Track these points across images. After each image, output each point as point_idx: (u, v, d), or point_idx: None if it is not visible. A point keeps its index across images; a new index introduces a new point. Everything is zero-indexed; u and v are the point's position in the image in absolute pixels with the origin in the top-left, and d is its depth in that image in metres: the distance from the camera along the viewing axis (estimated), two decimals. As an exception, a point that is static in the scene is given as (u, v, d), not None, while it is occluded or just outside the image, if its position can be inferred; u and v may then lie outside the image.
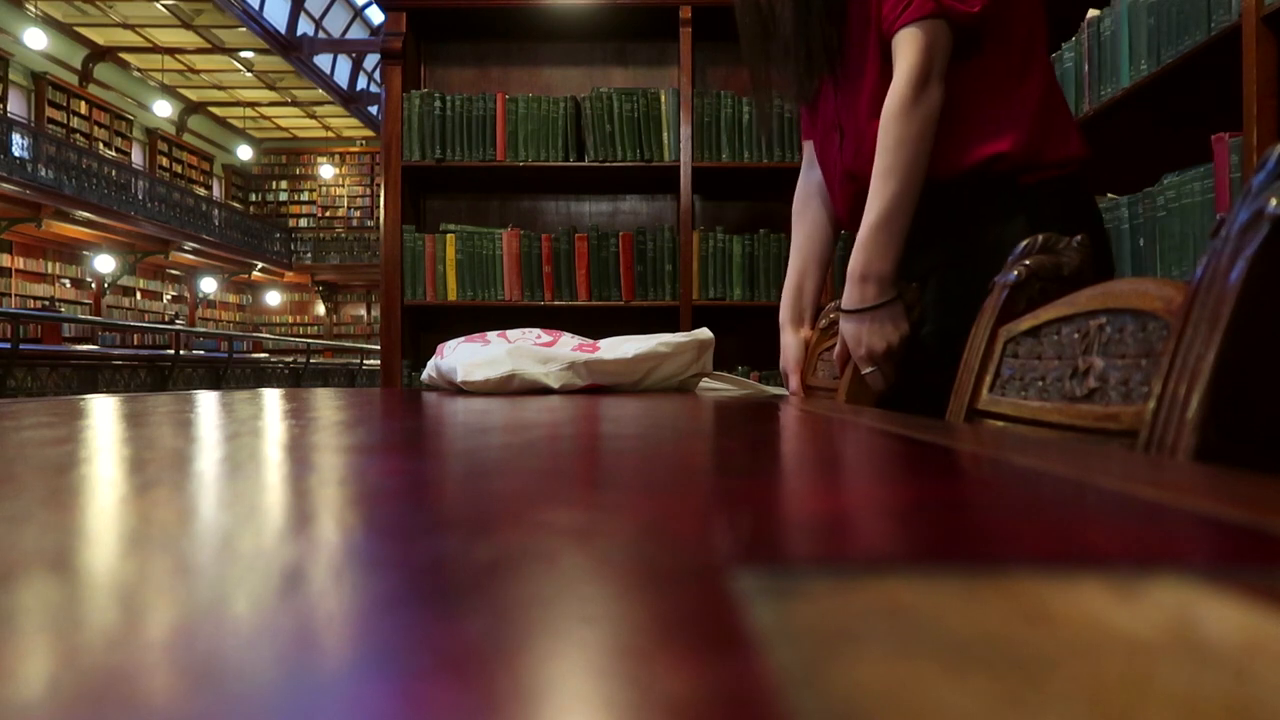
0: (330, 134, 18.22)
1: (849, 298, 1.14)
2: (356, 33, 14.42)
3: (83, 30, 13.09)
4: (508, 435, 0.58)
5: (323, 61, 13.95)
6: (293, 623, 0.16)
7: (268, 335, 14.27)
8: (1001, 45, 1.13)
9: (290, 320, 18.54)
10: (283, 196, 18.34)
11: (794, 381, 1.40)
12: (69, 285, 13.59)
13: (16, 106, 12.25)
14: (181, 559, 0.21)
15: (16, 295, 12.35)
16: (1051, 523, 0.27)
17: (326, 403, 0.96)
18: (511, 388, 1.19)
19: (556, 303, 2.62)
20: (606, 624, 0.16)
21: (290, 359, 10.13)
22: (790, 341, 1.41)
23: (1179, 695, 0.13)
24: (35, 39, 11.84)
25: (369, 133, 16.88)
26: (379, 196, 2.87)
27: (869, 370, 1.15)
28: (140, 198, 13.43)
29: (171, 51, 13.87)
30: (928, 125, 1.09)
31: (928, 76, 1.09)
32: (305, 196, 18.28)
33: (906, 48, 1.09)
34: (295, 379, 9.69)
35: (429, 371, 1.41)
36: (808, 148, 1.42)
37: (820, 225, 1.40)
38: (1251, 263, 0.52)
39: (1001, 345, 0.92)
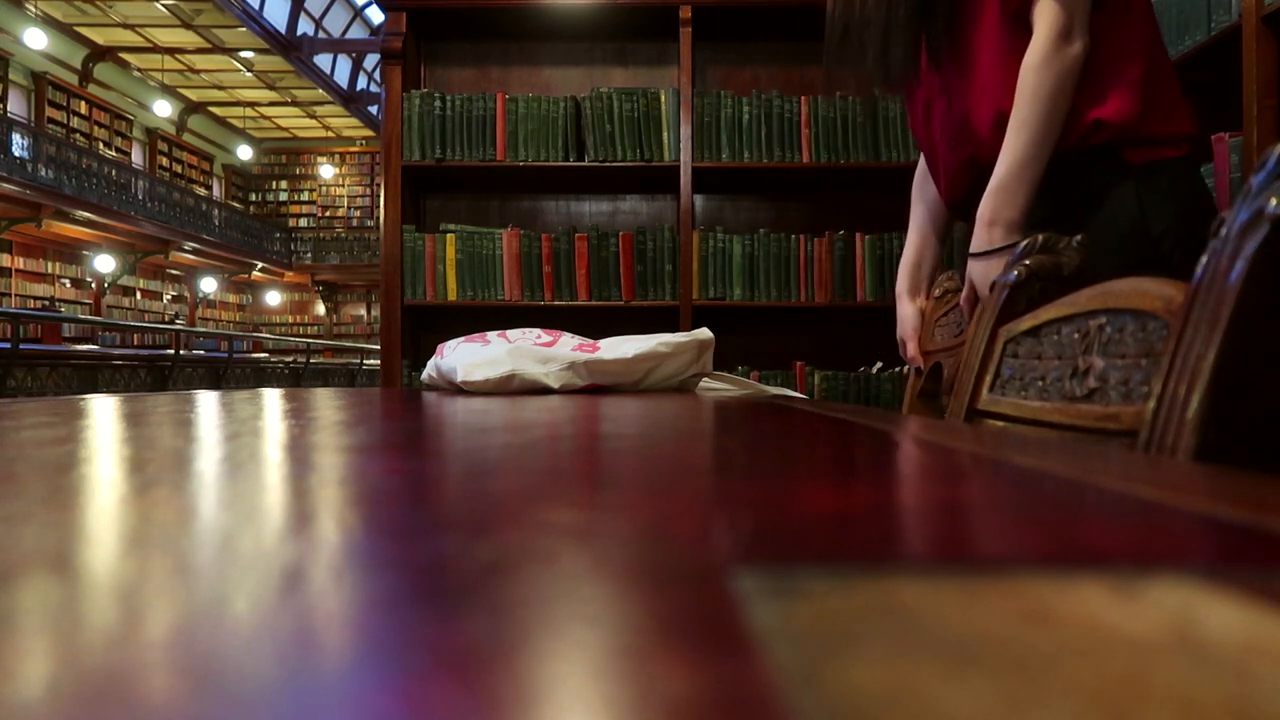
0: (330, 134, 18.22)
1: (977, 241, 1.16)
2: (356, 33, 14.43)
3: (83, 30, 13.09)
4: (508, 435, 0.58)
5: (323, 61, 13.95)
6: (293, 623, 0.16)
7: (268, 335, 14.26)
8: (1123, 6, 1.13)
9: (290, 320, 18.54)
10: (283, 196, 18.34)
11: (911, 348, 1.46)
12: (69, 285, 13.59)
13: (16, 106, 12.25)
14: (181, 559, 0.21)
15: (16, 295, 12.35)
16: (1051, 523, 0.27)
17: (326, 403, 0.96)
18: (511, 388, 1.19)
19: (556, 303, 2.62)
20: (606, 624, 0.16)
21: (290, 359, 10.13)
22: (908, 311, 1.46)
23: (1179, 695, 0.13)
24: (35, 39, 11.84)
25: (369, 133, 16.89)
26: (379, 196, 2.87)
27: None
28: (140, 198, 13.43)
29: (171, 51, 13.88)
30: (1067, 77, 1.09)
31: (1070, 28, 1.09)
32: (305, 196, 18.28)
33: (1049, 1, 1.09)
34: (295, 379, 9.69)
35: (429, 371, 1.41)
36: None
37: (935, 207, 1.43)
38: (1251, 263, 0.52)
39: (1001, 345, 0.92)
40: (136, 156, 14.82)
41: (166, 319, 15.14)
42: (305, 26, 13.14)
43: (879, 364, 2.65)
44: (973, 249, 1.17)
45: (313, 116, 17.31)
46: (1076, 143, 1.12)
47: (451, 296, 2.62)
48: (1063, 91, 1.09)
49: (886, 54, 1.23)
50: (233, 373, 8.51)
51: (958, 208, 1.34)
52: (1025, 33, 1.13)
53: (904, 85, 1.31)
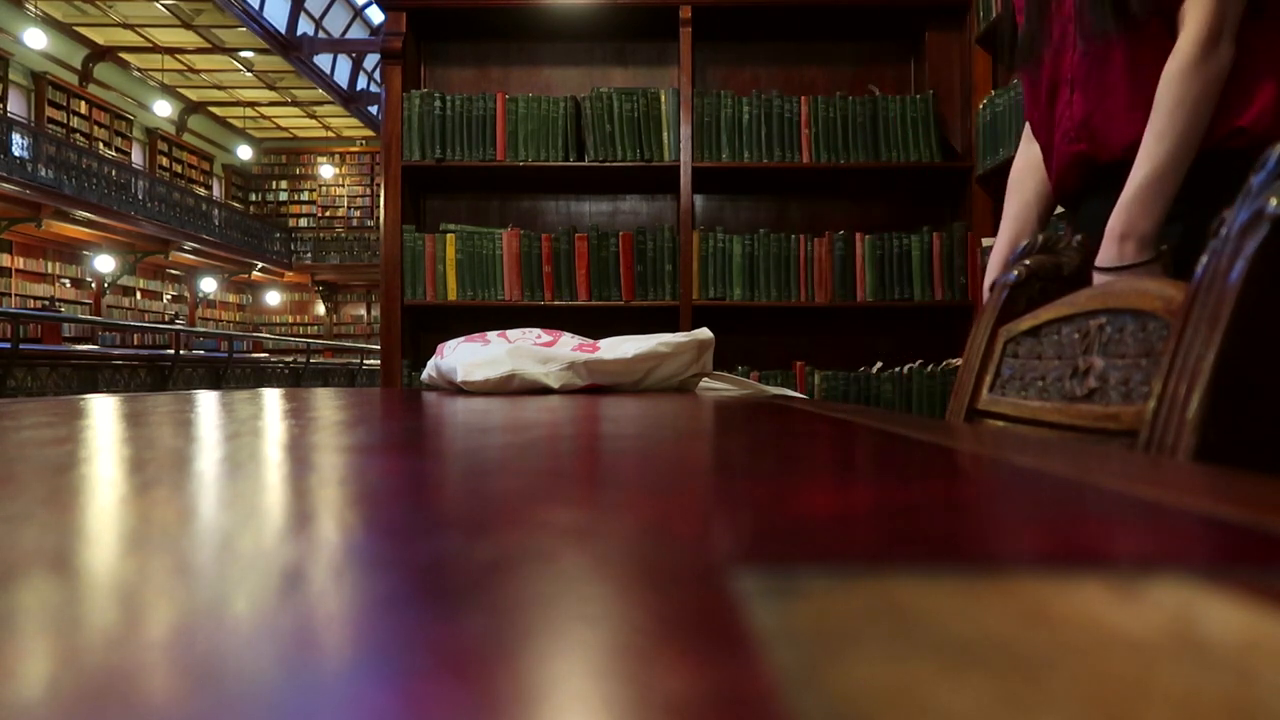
0: (330, 134, 18.22)
1: (1105, 255, 1.11)
2: (356, 33, 14.43)
3: (83, 30, 13.09)
4: (508, 435, 0.58)
5: (323, 61, 13.95)
6: (293, 622, 0.16)
7: (268, 335, 14.26)
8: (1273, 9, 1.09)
9: (290, 320, 18.54)
10: (283, 196, 18.34)
11: None
12: (69, 285, 13.59)
13: (16, 106, 12.24)
14: (181, 559, 0.21)
15: (16, 295, 12.35)
16: (1051, 523, 0.27)
17: (326, 403, 0.96)
18: (511, 388, 1.19)
19: (556, 303, 2.62)
20: (606, 624, 0.16)
21: (290, 359, 10.13)
22: None
23: (1179, 695, 0.13)
24: (35, 39, 11.84)
25: (369, 133, 16.89)
26: (379, 196, 2.87)
27: None
28: (140, 198, 13.43)
29: (171, 51, 13.87)
30: (1212, 87, 1.06)
31: (1219, 35, 1.05)
32: (305, 196, 18.27)
33: (1199, 6, 1.06)
34: (295, 379, 9.69)
35: (429, 371, 1.41)
36: (1030, 124, 1.41)
37: (1037, 198, 1.39)
38: (1251, 263, 0.52)
39: (1001, 345, 0.92)
40: (136, 156, 14.81)
41: (166, 319, 15.14)
42: (305, 26, 13.13)
43: (879, 364, 2.66)
44: (1100, 262, 1.12)
45: (313, 116, 17.31)
46: (1213, 147, 1.09)
47: (451, 296, 2.62)
48: (1206, 102, 1.06)
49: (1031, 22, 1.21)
50: (233, 373, 8.51)
51: (1067, 200, 1.30)
52: (1169, 32, 1.09)
53: (1027, 58, 1.28)
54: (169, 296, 15.89)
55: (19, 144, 11.04)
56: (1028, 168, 1.41)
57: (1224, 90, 1.08)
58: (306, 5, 12.88)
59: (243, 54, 13.88)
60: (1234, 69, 1.09)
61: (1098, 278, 1.14)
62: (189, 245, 14.72)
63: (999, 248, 1.43)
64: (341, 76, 14.72)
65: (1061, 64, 1.24)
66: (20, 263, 12.56)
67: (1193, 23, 1.06)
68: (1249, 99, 1.08)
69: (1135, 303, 0.68)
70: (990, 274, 1.44)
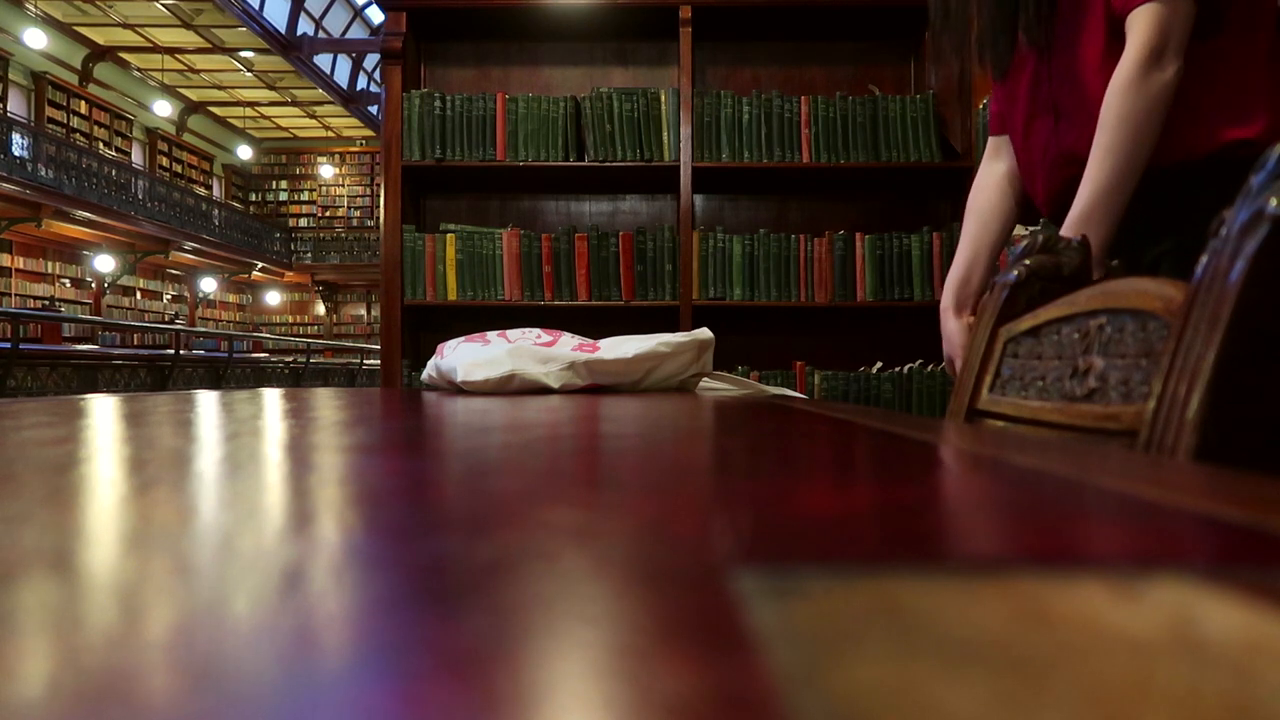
0: (330, 134, 18.22)
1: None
2: (356, 32, 14.43)
3: (83, 30, 13.09)
4: (508, 435, 0.58)
5: (323, 61, 13.95)
6: (293, 623, 0.16)
7: (268, 335, 14.26)
8: (1252, 21, 1.09)
9: (290, 320, 18.54)
10: (283, 196, 18.35)
11: (960, 364, 1.43)
12: (69, 285, 13.59)
13: (16, 106, 12.25)
14: (181, 559, 0.21)
15: (16, 295, 12.35)
16: (1052, 523, 0.27)
17: (326, 402, 0.96)
18: (511, 388, 1.19)
19: (556, 303, 2.62)
20: (606, 624, 0.16)
21: (290, 359, 10.14)
22: (954, 327, 1.42)
23: (1179, 695, 0.13)
24: (35, 39, 11.85)
25: (369, 132, 16.89)
26: (379, 196, 2.87)
27: None
28: (140, 197, 13.43)
29: (171, 51, 13.88)
30: (1156, 103, 1.05)
31: (1162, 52, 1.05)
32: (305, 196, 18.28)
33: (1142, 22, 1.06)
34: (295, 379, 9.70)
35: (429, 371, 1.41)
36: (994, 142, 1.40)
37: (997, 216, 1.39)
38: (1251, 263, 0.52)
39: (1001, 345, 0.92)
40: (136, 156, 14.81)
41: (166, 319, 15.14)
42: (305, 26, 13.13)
43: (879, 364, 2.66)
44: None
45: (313, 116, 17.31)
46: (1221, 156, 1.08)
47: (451, 296, 2.62)
48: (1151, 118, 1.05)
49: (988, 32, 1.21)
50: (233, 373, 8.51)
51: (1059, 216, 1.32)
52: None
53: (1001, 66, 1.27)
54: (169, 296, 15.89)
55: (19, 144, 11.04)
56: (991, 185, 1.39)
57: (1231, 100, 1.08)
58: (306, 5, 12.88)
59: (243, 54, 13.89)
60: (1239, 80, 1.08)
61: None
62: (189, 245, 14.72)
63: (955, 271, 1.42)
64: (341, 76, 14.72)
65: (1039, 93, 1.23)
66: (20, 263, 12.56)
67: (1135, 39, 1.06)
68: (1257, 111, 1.08)
69: (1135, 302, 0.68)
70: (947, 295, 1.43)
